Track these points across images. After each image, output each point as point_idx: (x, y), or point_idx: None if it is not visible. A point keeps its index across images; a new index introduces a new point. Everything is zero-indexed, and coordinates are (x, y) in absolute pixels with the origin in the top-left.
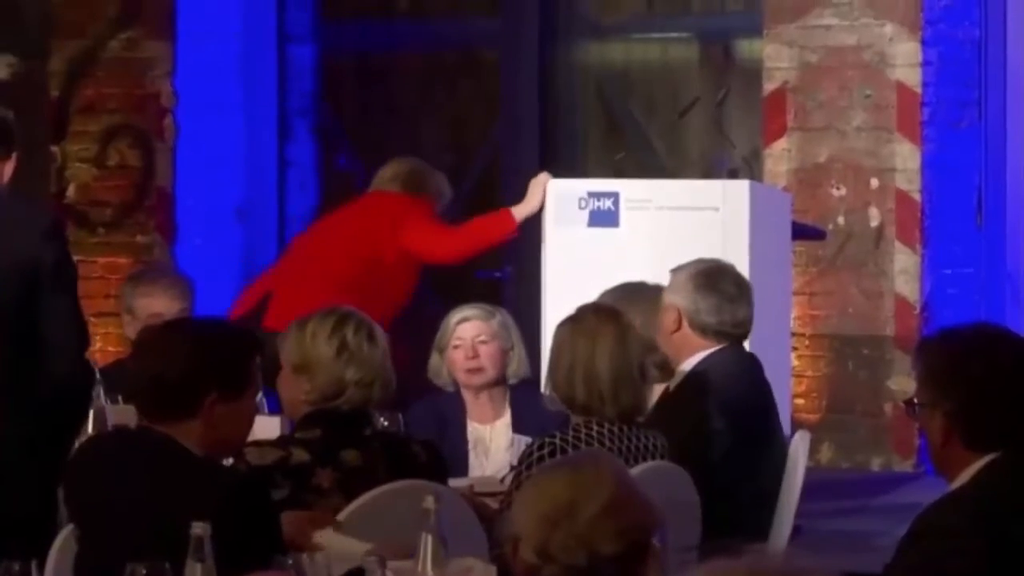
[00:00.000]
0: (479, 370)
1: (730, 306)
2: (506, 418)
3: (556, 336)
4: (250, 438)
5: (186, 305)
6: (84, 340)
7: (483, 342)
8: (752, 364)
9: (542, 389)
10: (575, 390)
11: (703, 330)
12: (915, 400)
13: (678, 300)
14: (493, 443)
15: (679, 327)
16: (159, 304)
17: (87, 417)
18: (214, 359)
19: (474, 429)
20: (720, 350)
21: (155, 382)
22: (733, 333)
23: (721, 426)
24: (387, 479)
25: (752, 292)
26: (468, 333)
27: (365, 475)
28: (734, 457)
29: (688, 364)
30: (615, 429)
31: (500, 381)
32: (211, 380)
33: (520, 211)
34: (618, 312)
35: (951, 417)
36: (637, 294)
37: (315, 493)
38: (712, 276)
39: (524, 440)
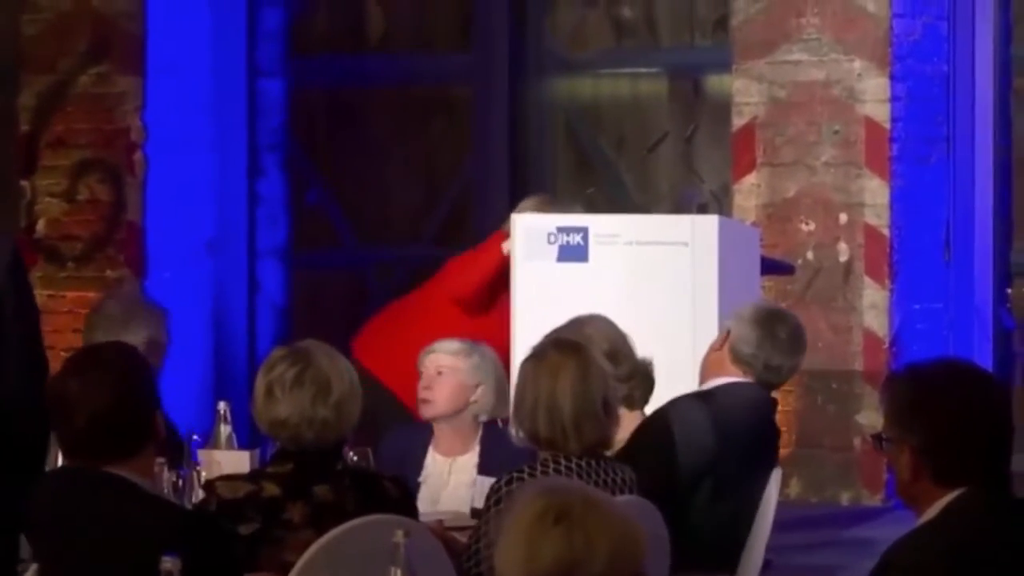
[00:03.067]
0: (427, 402)
1: (771, 346)
2: (472, 455)
3: (520, 373)
4: (223, 472)
5: (150, 332)
6: (39, 378)
7: (439, 374)
8: (764, 403)
9: (510, 426)
10: (538, 426)
11: (736, 357)
12: (882, 435)
13: (732, 324)
14: (452, 477)
15: (721, 347)
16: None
17: (40, 460)
18: (146, 381)
19: (435, 461)
20: (742, 382)
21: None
22: (762, 373)
23: (708, 445)
24: (356, 514)
25: (803, 347)
26: (430, 365)
27: (335, 510)
28: (713, 480)
29: (710, 384)
30: (582, 463)
31: (458, 416)
32: (153, 401)
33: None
34: (580, 346)
35: (919, 452)
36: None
37: (285, 527)
38: (772, 317)
39: (488, 481)
